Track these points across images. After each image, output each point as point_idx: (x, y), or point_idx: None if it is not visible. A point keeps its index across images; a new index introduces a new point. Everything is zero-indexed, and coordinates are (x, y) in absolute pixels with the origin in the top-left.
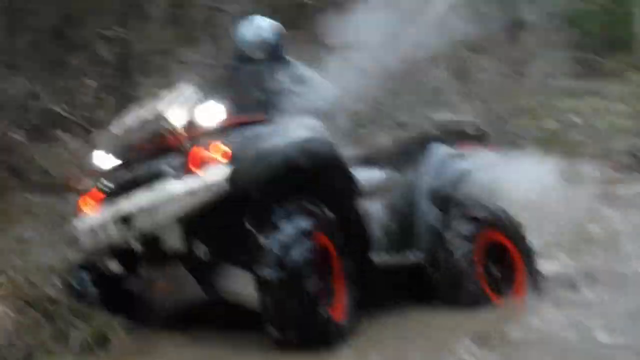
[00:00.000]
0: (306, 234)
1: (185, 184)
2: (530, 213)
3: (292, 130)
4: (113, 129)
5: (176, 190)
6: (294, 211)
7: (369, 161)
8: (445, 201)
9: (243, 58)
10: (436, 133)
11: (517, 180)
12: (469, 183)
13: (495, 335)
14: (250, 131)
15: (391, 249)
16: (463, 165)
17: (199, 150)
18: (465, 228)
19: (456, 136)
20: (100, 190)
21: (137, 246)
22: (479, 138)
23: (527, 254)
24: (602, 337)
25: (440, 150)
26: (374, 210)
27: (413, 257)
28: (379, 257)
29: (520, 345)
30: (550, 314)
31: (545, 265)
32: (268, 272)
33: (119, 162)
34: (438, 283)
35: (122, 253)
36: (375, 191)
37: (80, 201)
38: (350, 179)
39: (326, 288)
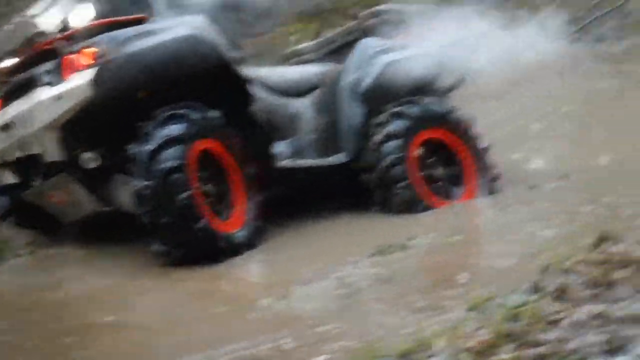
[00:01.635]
0: (178, 140)
1: (54, 90)
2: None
3: (170, 30)
4: None
5: (46, 97)
6: (168, 117)
7: (307, 56)
8: (372, 97)
9: None
10: (373, 24)
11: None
12: (404, 77)
13: (400, 246)
14: (125, 32)
15: (315, 150)
16: (395, 57)
17: (72, 55)
18: (395, 126)
19: (397, 26)
20: None
21: (20, 155)
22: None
23: (477, 153)
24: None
25: (370, 43)
26: (301, 108)
27: (334, 159)
28: (292, 161)
29: (419, 254)
30: (481, 219)
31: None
32: (137, 182)
33: (7, 68)
34: (367, 187)
35: (14, 163)
36: (307, 88)
37: None
38: (240, 82)
39: (219, 197)
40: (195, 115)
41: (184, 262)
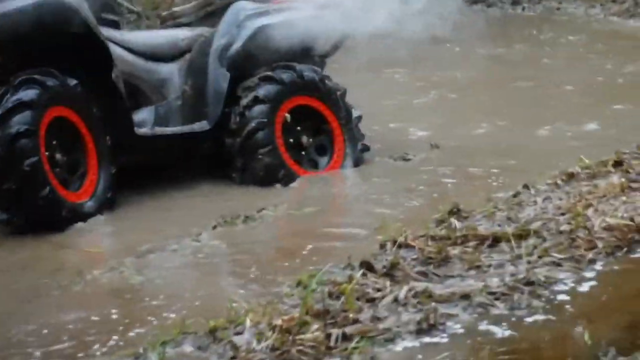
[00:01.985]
0: (29, 105)
1: None
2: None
3: None
4: None
5: None
6: (22, 81)
7: (184, 19)
8: (240, 63)
9: None
10: None
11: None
12: (275, 42)
13: (247, 217)
14: None
15: (181, 117)
16: (267, 21)
17: None
18: (264, 90)
19: None
20: None
21: None
22: None
23: (348, 123)
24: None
25: (243, 6)
26: (170, 73)
27: (197, 127)
28: (151, 129)
29: (265, 227)
30: (339, 190)
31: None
32: None
33: None
34: (230, 152)
35: None
36: (177, 53)
37: None
38: (101, 48)
39: (71, 167)
40: (50, 82)
41: (26, 230)
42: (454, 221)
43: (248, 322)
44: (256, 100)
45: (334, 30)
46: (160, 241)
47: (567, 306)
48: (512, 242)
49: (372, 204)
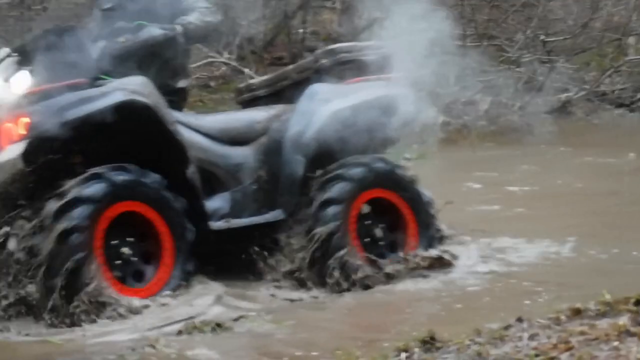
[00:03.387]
0: (84, 201)
1: None
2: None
3: (106, 96)
4: None
5: None
6: (87, 177)
7: (259, 92)
8: (315, 150)
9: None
10: (323, 64)
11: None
12: (351, 127)
13: (216, 323)
14: (59, 101)
15: (256, 203)
16: (342, 105)
17: (8, 124)
18: (334, 192)
19: (352, 67)
20: None
21: None
22: (382, 67)
23: (423, 215)
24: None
25: (318, 89)
26: (245, 157)
27: (271, 216)
28: (226, 222)
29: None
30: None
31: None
32: (37, 238)
33: None
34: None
35: None
36: (253, 136)
37: None
38: (176, 145)
39: (141, 260)
40: (119, 177)
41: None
42: (417, 351)
43: None
44: (328, 202)
45: (412, 108)
46: None
47: None
48: None
49: (364, 324)
